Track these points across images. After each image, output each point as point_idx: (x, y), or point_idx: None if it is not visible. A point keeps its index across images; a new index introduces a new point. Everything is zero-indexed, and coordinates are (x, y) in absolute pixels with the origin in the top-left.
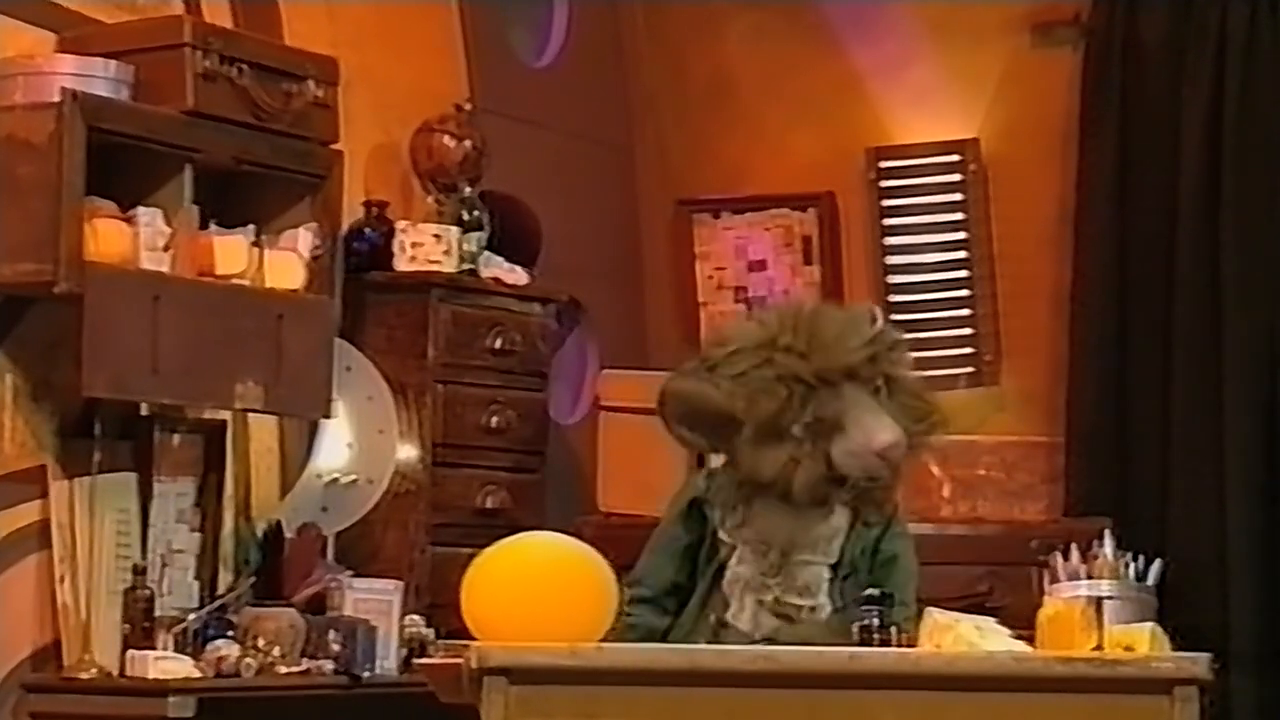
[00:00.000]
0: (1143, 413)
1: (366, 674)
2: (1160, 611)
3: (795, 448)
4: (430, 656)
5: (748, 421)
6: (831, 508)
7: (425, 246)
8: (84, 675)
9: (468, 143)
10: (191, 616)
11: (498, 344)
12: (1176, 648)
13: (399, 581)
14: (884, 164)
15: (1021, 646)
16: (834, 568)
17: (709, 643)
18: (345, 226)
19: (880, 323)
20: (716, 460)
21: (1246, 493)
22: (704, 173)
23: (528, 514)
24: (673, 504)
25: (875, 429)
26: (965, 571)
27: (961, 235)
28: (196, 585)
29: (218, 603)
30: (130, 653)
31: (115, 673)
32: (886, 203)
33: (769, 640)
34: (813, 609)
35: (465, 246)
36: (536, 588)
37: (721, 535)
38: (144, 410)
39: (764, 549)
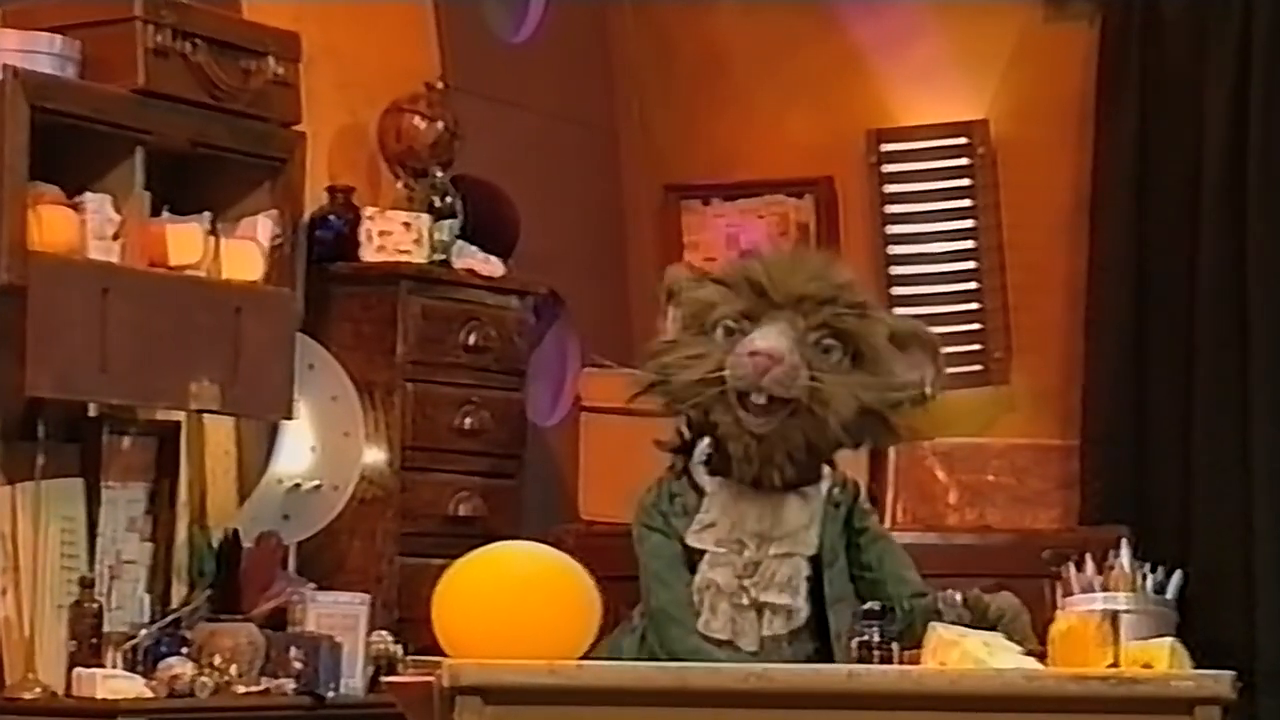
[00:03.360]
0: (1163, 413)
1: (330, 694)
2: (1181, 626)
3: (705, 348)
4: (399, 675)
5: (684, 305)
6: (803, 491)
7: (394, 235)
8: (27, 695)
9: (439, 124)
10: (143, 632)
11: (471, 340)
12: (1198, 665)
13: (365, 595)
14: (886, 147)
15: (1032, 664)
16: (813, 560)
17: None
18: (308, 214)
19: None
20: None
21: (1273, 499)
22: (693, 156)
23: (503, 522)
24: (648, 523)
25: (762, 333)
26: (972, 583)
27: (969, 223)
28: (148, 599)
29: (171, 618)
30: (77, 671)
31: (61, 692)
32: (888, 188)
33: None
34: (790, 613)
35: (437, 235)
36: (513, 601)
37: (689, 541)
38: (92, 411)
39: (737, 546)
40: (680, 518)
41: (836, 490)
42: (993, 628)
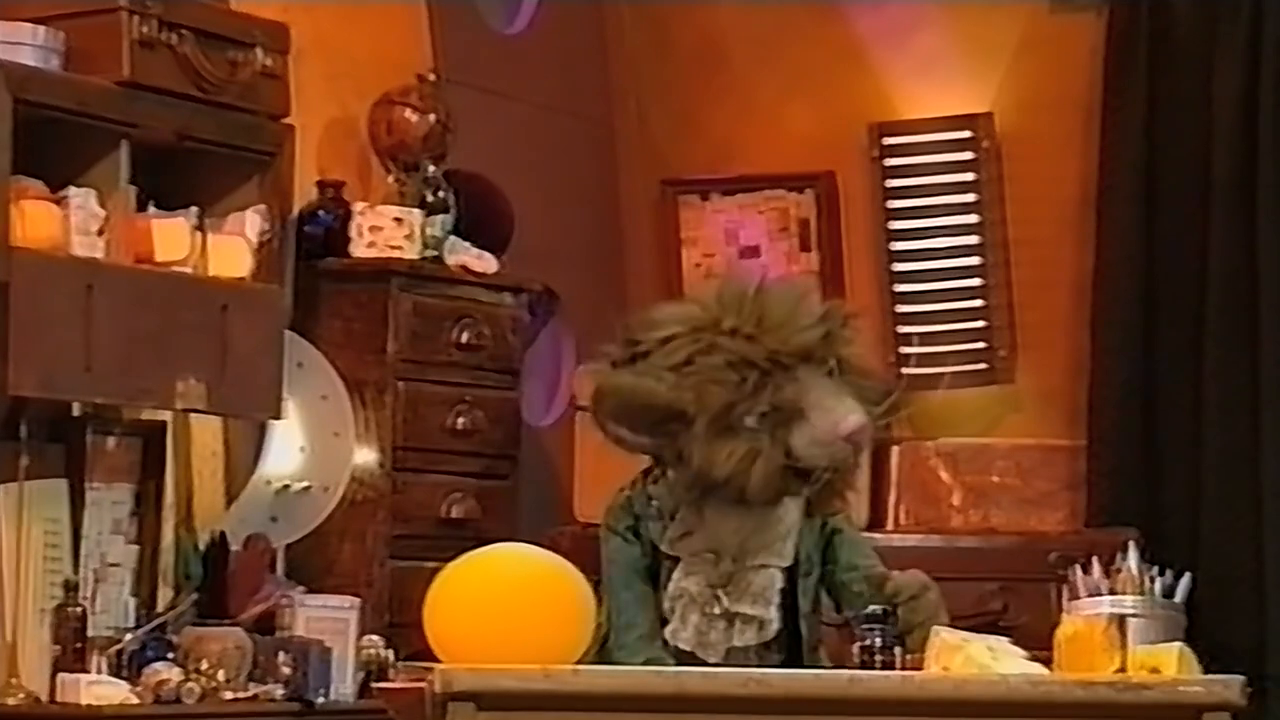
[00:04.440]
0: (1171, 413)
1: (320, 700)
2: (1189, 631)
3: (751, 439)
4: (390, 680)
5: (698, 415)
6: (784, 504)
7: (385, 231)
8: (10, 701)
9: (432, 117)
10: (128, 637)
11: (464, 338)
12: (1207, 670)
13: (356, 598)
14: (888, 140)
15: (1038, 669)
16: (788, 570)
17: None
18: (297, 209)
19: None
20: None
21: None
22: (691, 150)
23: (497, 524)
24: (613, 525)
25: (841, 412)
26: (977, 587)
27: (973, 219)
28: (133, 602)
29: (157, 622)
30: (61, 676)
31: (44, 698)
32: (891, 183)
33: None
34: (762, 624)
35: (429, 231)
36: (507, 605)
37: (664, 548)
38: (76, 410)
39: (713, 558)
40: (654, 522)
41: (814, 500)
42: (892, 608)
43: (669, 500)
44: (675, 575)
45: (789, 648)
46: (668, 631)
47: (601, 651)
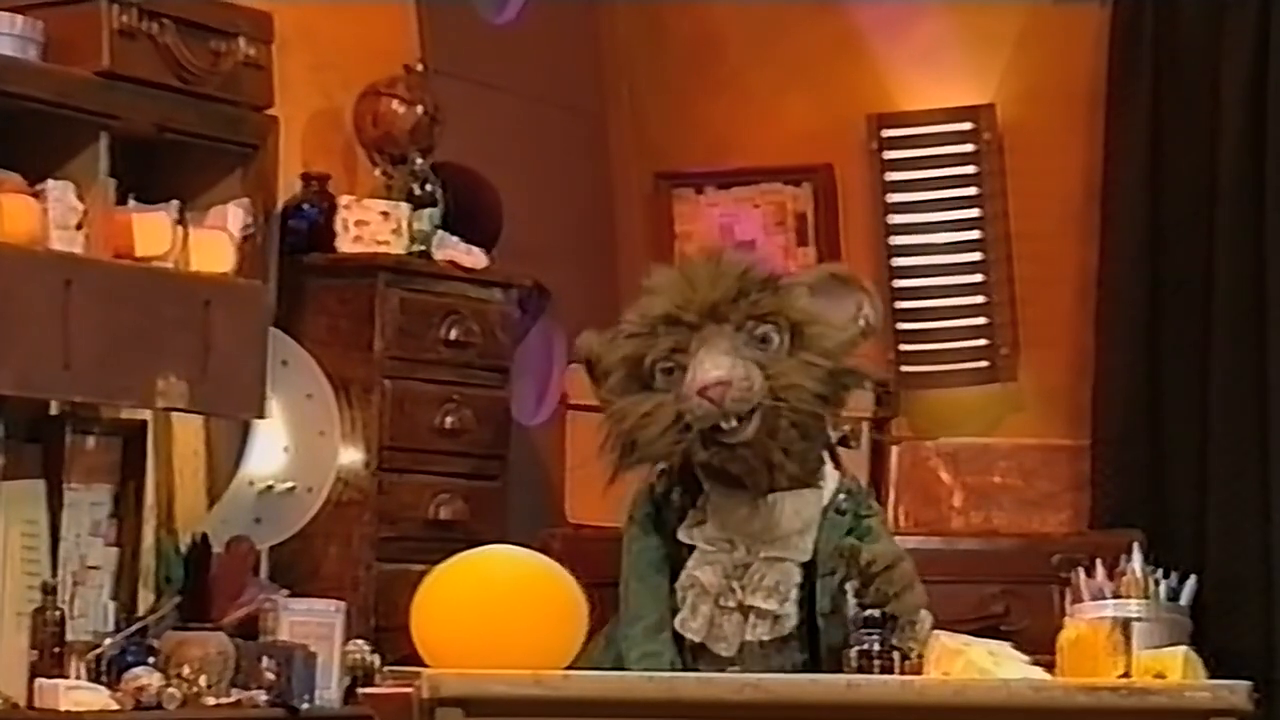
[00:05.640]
0: (1177, 412)
1: (304, 706)
2: (1195, 634)
3: (656, 399)
4: (376, 686)
5: (612, 372)
6: (800, 495)
7: (371, 225)
8: None
9: (419, 108)
10: (108, 641)
11: (453, 335)
12: (1213, 675)
13: (341, 602)
14: (887, 133)
15: (1040, 673)
16: (806, 566)
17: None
18: (281, 202)
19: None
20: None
21: None
22: (685, 143)
23: (486, 526)
24: (633, 513)
25: (707, 367)
26: (978, 590)
27: (975, 213)
28: (113, 606)
29: (137, 626)
30: (38, 682)
31: (22, 704)
32: (890, 176)
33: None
34: (776, 619)
35: (416, 225)
36: (496, 609)
37: (680, 536)
38: (54, 409)
39: (727, 547)
40: (674, 511)
41: (843, 498)
42: (870, 579)
43: (689, 487)
44: (689, 564)
45: (812, 646)
46: (677, 621)
47: (608, 647)
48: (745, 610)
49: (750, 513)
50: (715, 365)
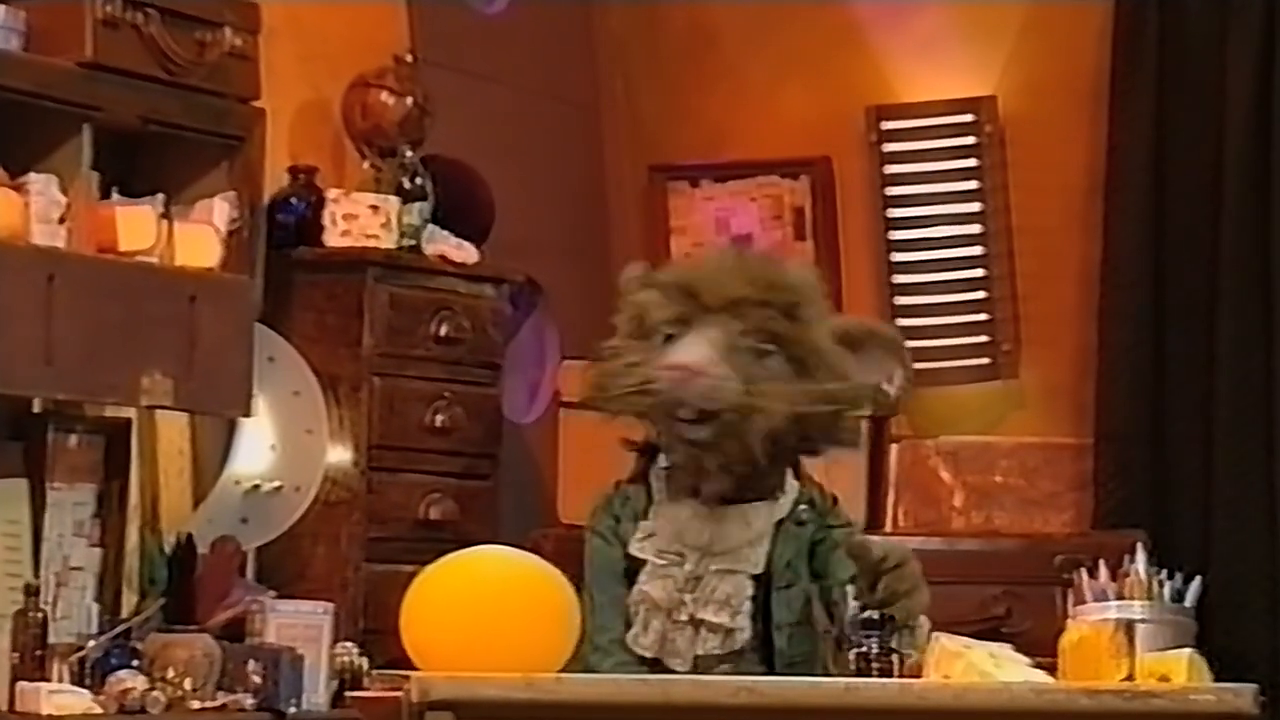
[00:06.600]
0: (1181, 410)
1: (292, 710)
2: (1200, 637)
3: (648, 354)
4: (365, 689)
5: (626, 316)
6: (754, 508)
7: (360, 219)
8: None
9: (409, 100)
10: (91, 644)
11: (443, 331)
12: (1219, 678)
13: (329, 604)
14: (887, 125)
15: (1042, 676)
16: (758, 579)
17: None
18: (267, 196)
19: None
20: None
21: None
22: (680, 135)
23: (477, 526)
24: (594, 525)
25: (685, 345)
26: (979, 591)
27: (976, 207)
28: (96, 608)
29: (121, 628)
30: (20, 685)
31: (3, 708)
32: (890, 169)
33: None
34: (728, 633)
35: (406, 219)
36: (487, 610)
37: (632, 550)
38: (36, 407)
39: (678, 559)
40: (630, 523)
41: (803, 509)
42: (879, 575)
43: (644, 501)
44: (640, 578)
45: (763, 660)
46: (629, 637)
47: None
48: (697, 624)
49: (699, 524)
50: (697, 350)
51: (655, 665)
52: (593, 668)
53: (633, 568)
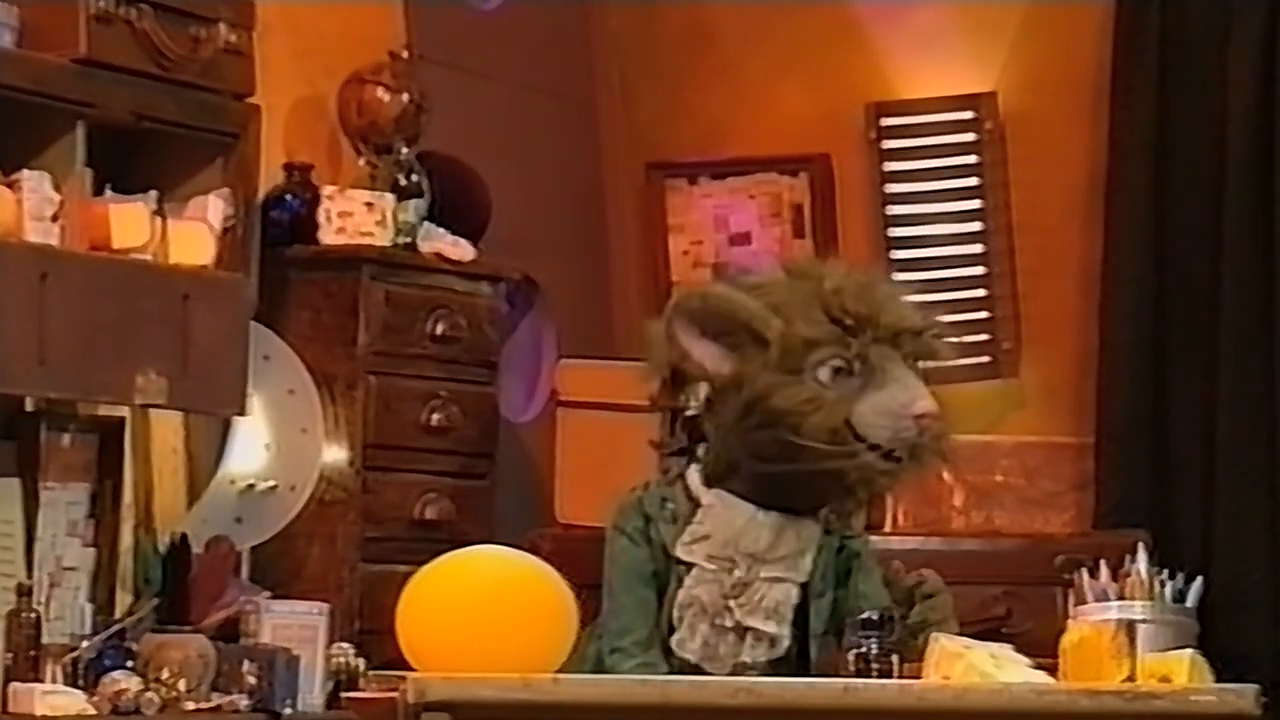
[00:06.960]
0: (1183, 409)
1: (287, 710)
2: (1202, 637)
3: (817, 389)
4: (361, 690)
5: (775, 343)
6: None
7: (355, 216)
8: None
9: (405, 96)
10: (84, 644)
11: (439, 329)
12: (1220, 678)
13: (325, 604)
14: (886, 121)
15: (1042, 677)
16: (804, 587)
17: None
18: (262, 193)
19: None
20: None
21: None
22: (678, 132)
23: (474, 526)
24: (621, 525)
25: (919, 392)
26: (979, 591)
27: (976, 204)
28: (90, 608)
29: (114, 628)
30: (13, 686)
31: None
32: (889, 166)
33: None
34: (773, 641)
35: (402, 216)
36: (483, 611)
37: (677, 552)
38: (29, 405)
39: (728, 564)
40: (668, 525)
41: (833, 516)
42: (893, 616)
43: (684, 503)
44: (687, 582)
45: (802, 669)
46: (674, 641)
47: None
48: (742, 631)
49: (756, 531)
50: (926, 395)
51: (690, 672)
52: (613, 669)
53: (665, 571)
